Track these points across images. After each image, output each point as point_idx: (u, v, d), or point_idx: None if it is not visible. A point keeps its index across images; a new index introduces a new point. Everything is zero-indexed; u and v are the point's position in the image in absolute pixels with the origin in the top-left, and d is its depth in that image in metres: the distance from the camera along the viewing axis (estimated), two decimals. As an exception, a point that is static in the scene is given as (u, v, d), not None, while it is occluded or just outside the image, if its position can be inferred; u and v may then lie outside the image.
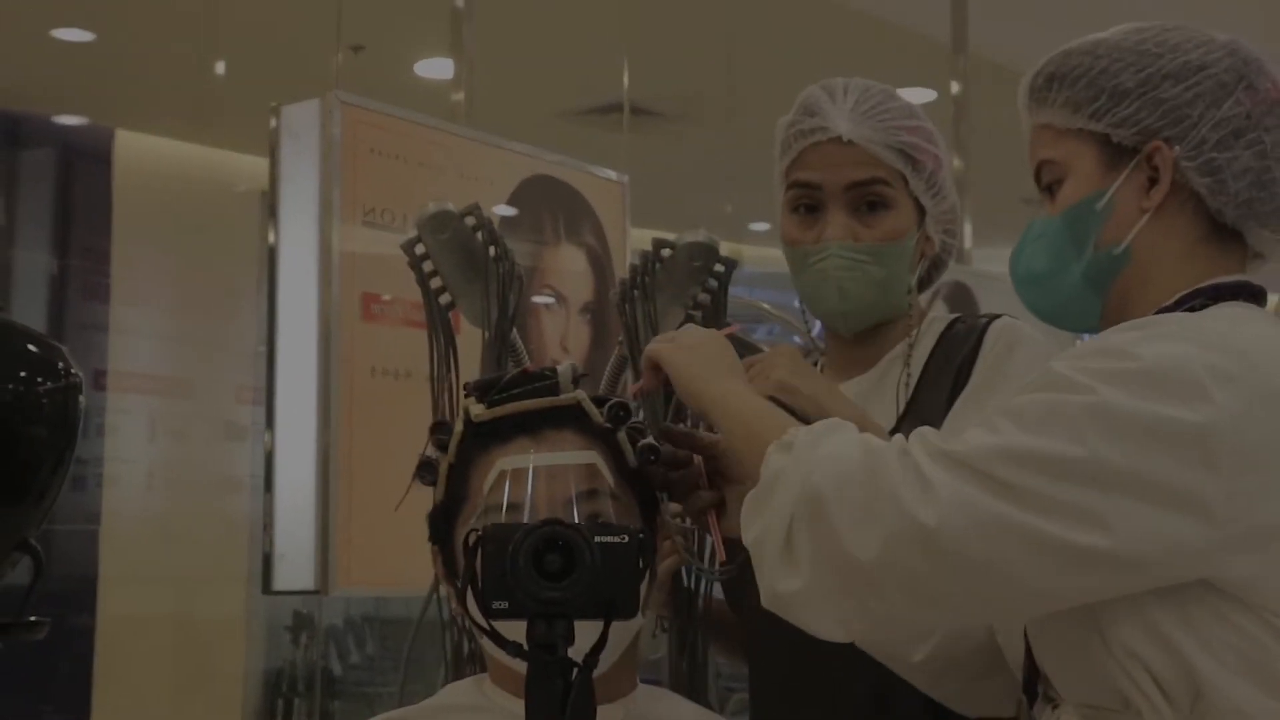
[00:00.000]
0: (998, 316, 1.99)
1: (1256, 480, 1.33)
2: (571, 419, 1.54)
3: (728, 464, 1.63)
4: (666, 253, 1.92)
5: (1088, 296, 1.55)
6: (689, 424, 1.88)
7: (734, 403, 1.54)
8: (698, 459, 1.65)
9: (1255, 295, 1.50)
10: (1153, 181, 1.51)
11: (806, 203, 1.96)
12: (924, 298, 2.10)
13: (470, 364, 1.89)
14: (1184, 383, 1.33)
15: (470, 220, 1.89)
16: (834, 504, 1.35)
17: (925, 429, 1.40)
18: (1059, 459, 1.31)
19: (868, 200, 1.94)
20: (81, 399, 1.72)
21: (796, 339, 5.31)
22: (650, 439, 1.57)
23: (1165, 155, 1.50)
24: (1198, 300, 1.48)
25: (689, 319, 1.88)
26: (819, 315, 2.03)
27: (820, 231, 1.95)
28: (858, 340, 2.01)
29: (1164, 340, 1.37)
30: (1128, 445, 1.31)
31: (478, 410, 1.55)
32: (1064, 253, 1.55)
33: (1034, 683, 1.55)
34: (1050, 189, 1.57)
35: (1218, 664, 1.35)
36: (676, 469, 1.64)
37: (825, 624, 1.39)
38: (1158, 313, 1.48)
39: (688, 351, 1.61)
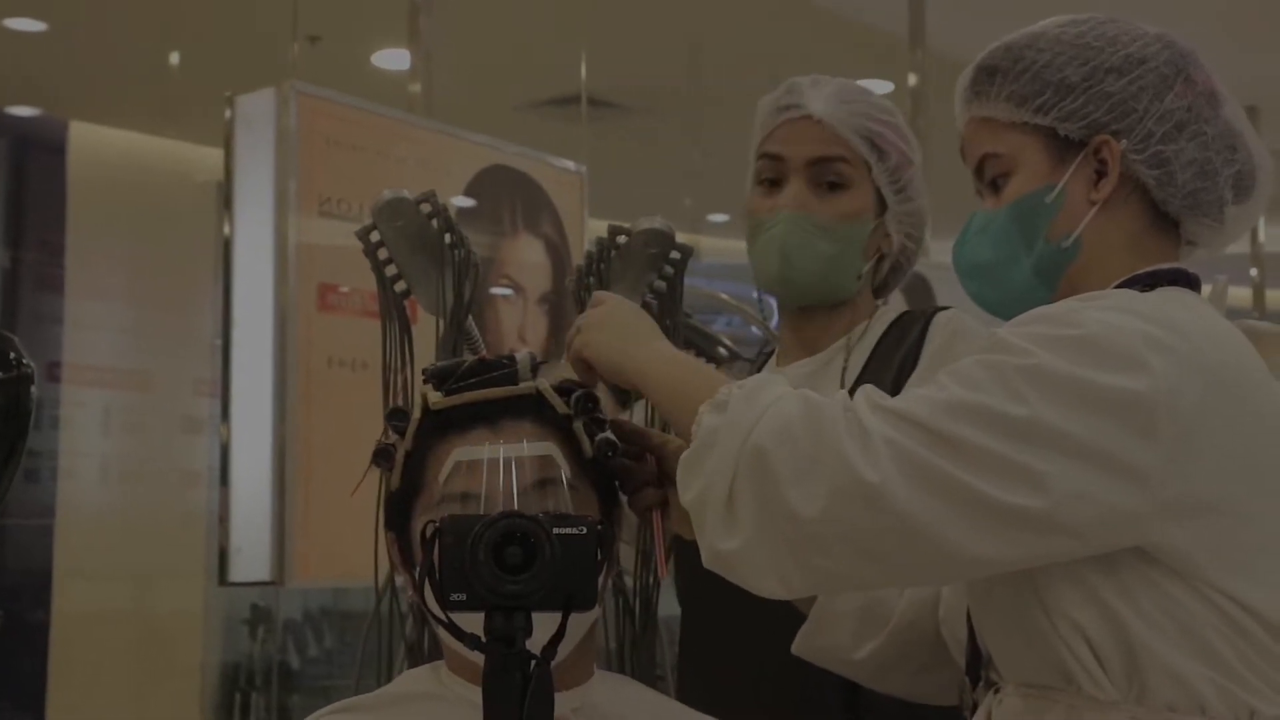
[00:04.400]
0: (944, 308, 2.01)
1: (1190, 449, 1.35)
2: (530, 409, 1.54)
3: (674, 466, 1.61)
4: (622, 240, 1.91)
5: (1038, 288, 1.55)
6: (648, 416, 1.88)
7: (656, 367, 1.52)
8: (651, 457, 1.65)
9: (1191, 283, 1.53)
10: (1100, 174, 1.53)
11: (770, 176, 2.02)
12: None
13: (425, 353, 1.88)
14: (1122, 351, 1.34)
15: (425, 207, 1.88)
16: (777, 460, 1.34)
17: (869, 386, 1.40)
18: (1000, 415, 1.32)
19: (828, 180, 1.97)
20: (33, 390, 1.71)
21: (756, 330, 5.32)
22: (609, 433, 1.56)
23: (1113, 148, 1.51)
24: (1136, 286, 1.49)
25: (645, 306, 1.88)
26: (764, 286, 2.06)
27: (777, 200, 1.99)
28: (806, 321, 2.04)
29: (1104, 310, 1.39)
30: (1066, 408, 1.32)
31: (435, 398, 1.54)
32: (1012, 245, 1.56)
33: (977, 666, 1.56)
34: (994, 182, 1.58)
35: (1154, 632, 1.37)
36: (635, 460, 1.64)
37: (766, 581, 1.38)
38: None
39: (598, 330, 1.58)
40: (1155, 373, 1.34)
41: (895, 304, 2.12)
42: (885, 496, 1.30)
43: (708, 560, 1.41)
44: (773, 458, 1.34)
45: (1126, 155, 1.51)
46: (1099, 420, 1.32)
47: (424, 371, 1.59)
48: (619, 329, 1.57)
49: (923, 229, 2.08)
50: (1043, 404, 1.32)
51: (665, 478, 1.62)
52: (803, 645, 1.75)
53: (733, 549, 1.37)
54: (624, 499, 1.63)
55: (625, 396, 1.86)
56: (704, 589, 1.93)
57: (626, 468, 1.60)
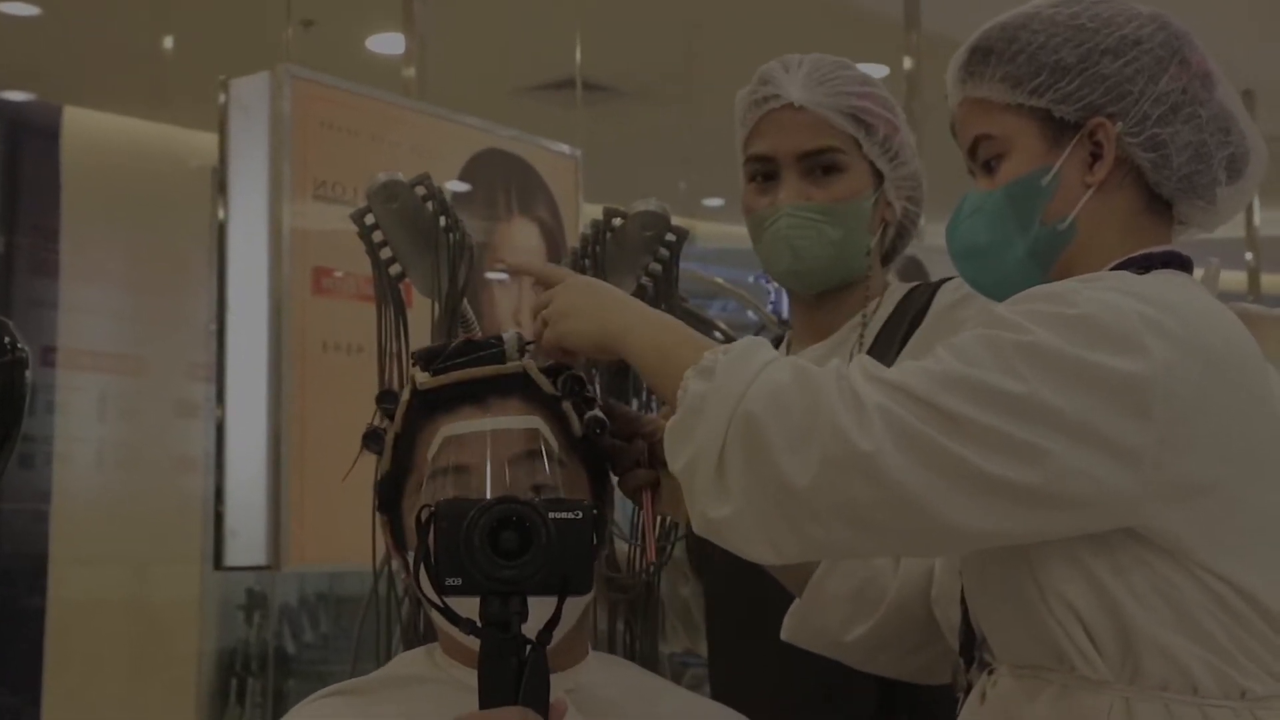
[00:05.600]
0: (950, 278, 2.01)
1: (1184, 432, 1.35)
2: (518, 387, 1.54)
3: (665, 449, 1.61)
4: (618, 222, 1.91)
5: (1033, 270, 1.55)
6: (644, 398, 1.88)
7: (638, 333, 1.50)
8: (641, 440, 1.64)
9: (1184, 264, 1.53)
10: (1095, 157, 1.53)
11: (763, 173, 2.01)
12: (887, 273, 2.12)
13: (421, 336, 1.88)
14: (1119, 332, 1.34)
15: (420, 190, 1.88)
16: (770, 428, 1.33)
17: (864, 357, 1.39)
18: (995, 390, 1.32)
19: (821, 166, 1.97)
20: (28, 374, 1.71)
21: (751, 315, 5.32)
22: (598, 411, 1.56)
23: (1108, 131, 1.51)
24: (1132, 268, 1.50)
25: (641, 289, 1.88)
26: (776, 278, 2.06)
27: (775, 196, 1.98)
28: (819, 305, 2.03)
29: (1103, 291, 1.39)
30: (1062, 387, 1.32)
31: (423, 378, 1.54)
32: (1006, 227, 1.56)
33: (970, 647, 1.57)
34: (987, 164, 1.58)
35: (1148, 613, 1.38)
36: (625, 441, 1.63)
37: (757, 548, 1.38)
38: None
39: (568, 319, 1.55)
40: (1152, 354, 1.34)
41: (898, 285, 2.11)
42: (878, 466, 1.30)
43: (698, 527, 1.40)
44: (765, 425, 1.33)
45: (1122, 138, 1.51)
46: (1094, 400, 1.32)
47: (413, 354, 1.60)
48: (586, 308, 1.55)
49: (921, 189, 2.08)
50: (1038, 381, 1.32)
51: (655, 459, 1.61)
52: (792, 628, 1.74)
53: (724, 516, 1.36)
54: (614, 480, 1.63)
55: (624, 371, 1.86)
56: (729, 584, 1.93)
57: (617, 448, 1.60)
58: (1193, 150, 1.52)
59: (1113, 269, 1.50)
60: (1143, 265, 1.50)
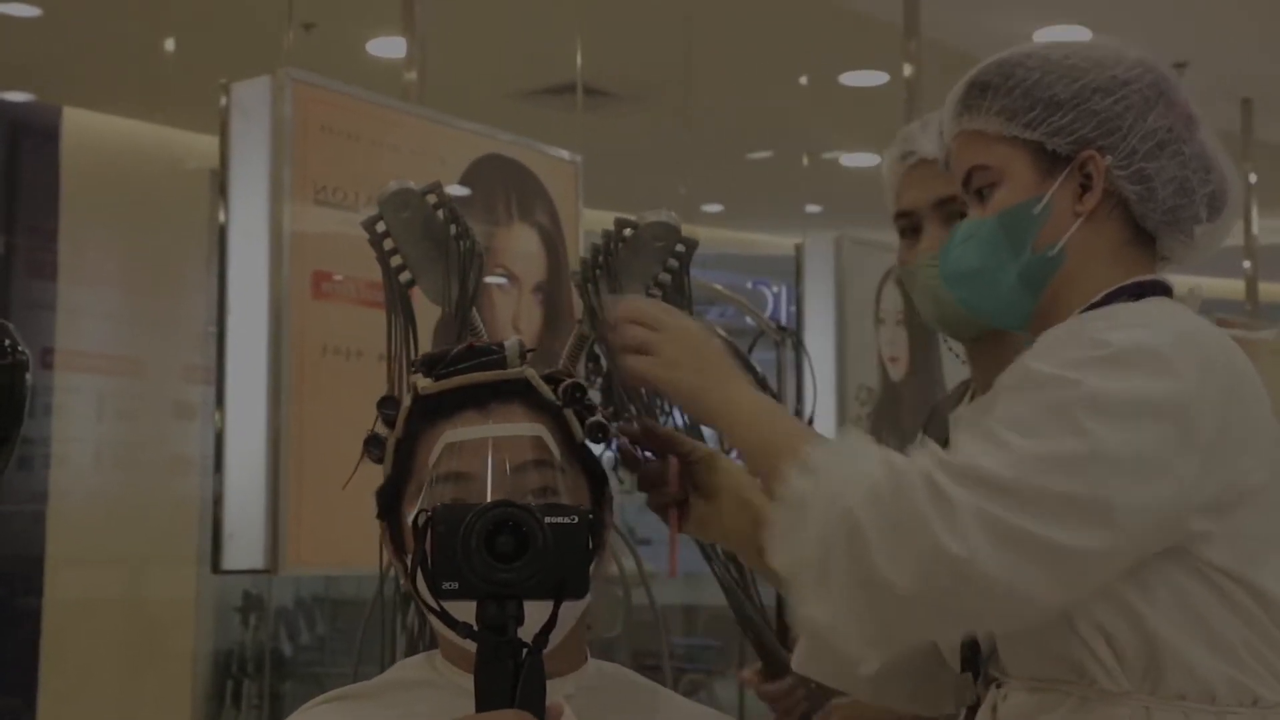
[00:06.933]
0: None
1: (1219, 447, 1.41)
2: (519, 393, 1.54)
3: (699, 472, 1.64)
4: (629, 232, 1.92)
5: (1023, 296, 1.61)
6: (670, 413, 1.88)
7: (738, 411, 1.54)
8: (673, 457, 1.65)
9: (1167, 292, 1.59)
10: (1084, 188, 1.58)
11: (909, 227, 2.04)
12: None
13: (428, 343, 1.88)
14: (1152, 361, 1.41)
15: (432, 198, 1.89)
16: (869, 529, 1.37)
17: (934, 446, 1.42)
18: (1067, 456, 1.36)
19: (959, 212, 1.99)
20: (28, 377, 1.70)
21: (749, 321, 5.32)
22: (599, 417, 1.56)
23: (1098, 163, 1.57)
24: (1123, 297, 1.56)
25: (650, 298, 1.88)
26: (933, 327, 2.07)
27: (918, 250, 2.01)
28: (980, 349, 2.01)
29: (1125, 328, 1.45)
30: (1119, 427, 1.37)
31: (425, 383, 1.55)
32: (999, 254, 1.61)
33: (975, 661, 1.58)
34: (980, 192, 1.63)
35: (1173, 627, 1.42)
36: (659, 457, 1.65)
37: (856, 646, 1.42)
38: (1086, 309, 1.56)
39: (675, 369, 1.57)
40: (1185, 376, 1.41)
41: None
42: (975, 567, 1.34)
43: (799, 626, 1.44)
44: (864, 527, 1.37)
45: (1111, 171, 1.57)
46: (1146, 430, 1.38)
47: (413, 361, 1.60)
48: (696, 365, 1.57)
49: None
50: (1101, 429, 1.37)
51: (687, 480, 1.63)
52: (802, 660, 1.75)
53: (823, 614, 1.40)
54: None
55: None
56: None
57: (650, 465, 1.62)
58: (1176, 185, 1.58)
59: (1108, 295, 1.56)
60: (1134, 293, 1.56)
